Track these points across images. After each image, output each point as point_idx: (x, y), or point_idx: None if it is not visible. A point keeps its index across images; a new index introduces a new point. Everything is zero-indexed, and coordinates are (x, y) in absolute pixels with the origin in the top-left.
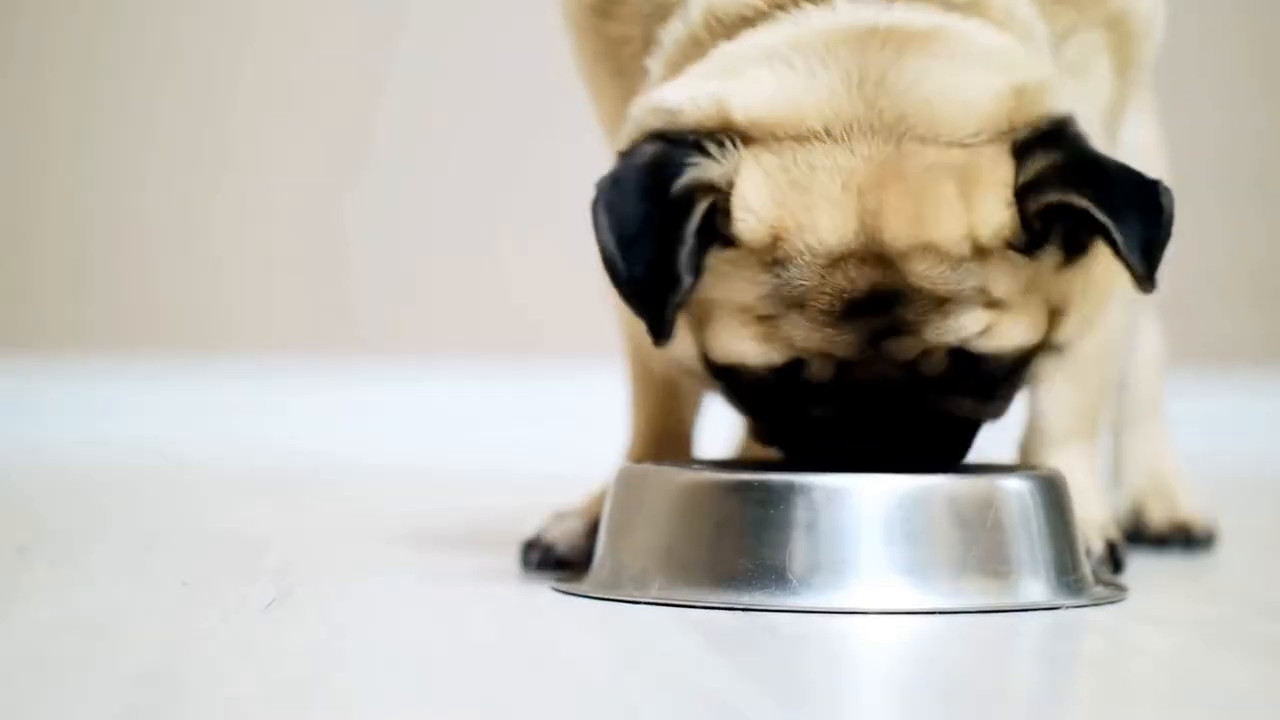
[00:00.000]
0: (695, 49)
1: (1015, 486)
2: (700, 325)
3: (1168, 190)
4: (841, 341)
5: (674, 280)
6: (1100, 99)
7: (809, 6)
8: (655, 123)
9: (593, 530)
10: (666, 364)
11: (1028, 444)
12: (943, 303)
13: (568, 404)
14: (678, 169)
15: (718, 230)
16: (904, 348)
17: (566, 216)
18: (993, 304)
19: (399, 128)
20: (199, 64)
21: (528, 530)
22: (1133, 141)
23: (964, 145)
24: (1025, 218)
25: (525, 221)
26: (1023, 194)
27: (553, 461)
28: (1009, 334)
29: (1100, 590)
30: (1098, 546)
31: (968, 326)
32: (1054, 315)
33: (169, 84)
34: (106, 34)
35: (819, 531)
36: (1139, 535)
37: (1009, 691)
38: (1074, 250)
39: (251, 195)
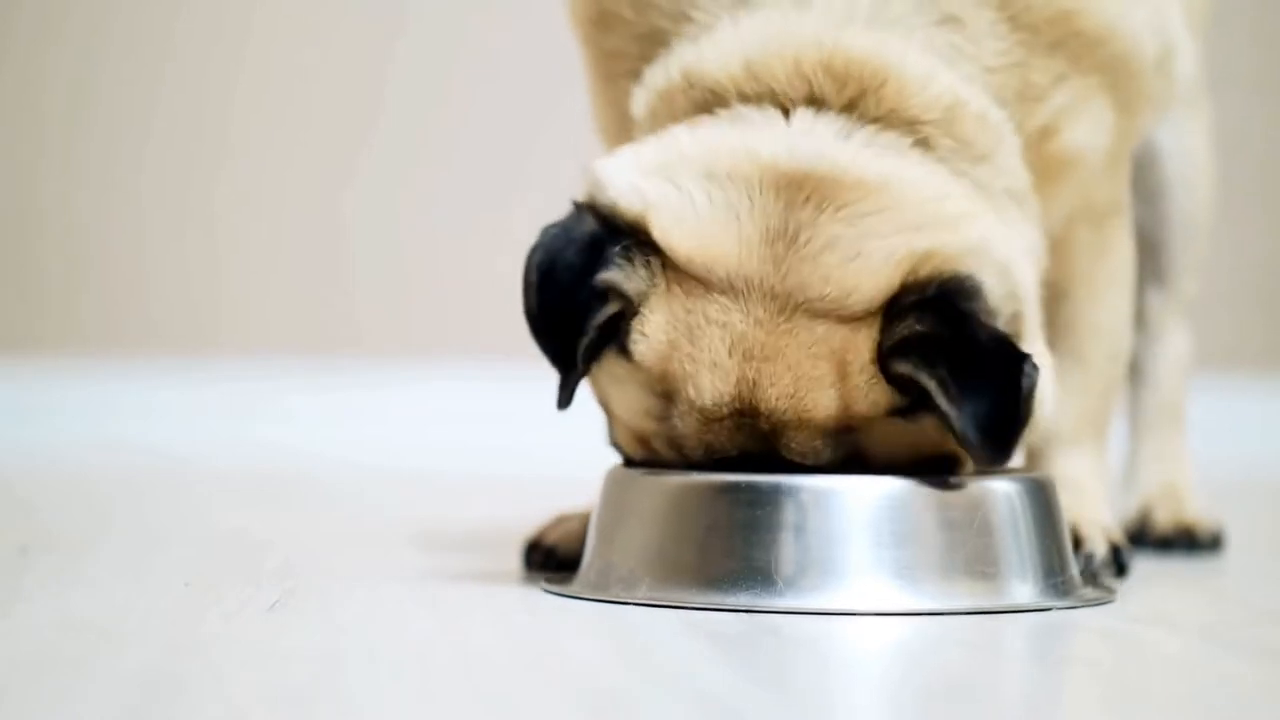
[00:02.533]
0: (668, 107)
1: (1003, 489)
2: (594, 383)
3: (1033, 369)
4: None
5: (572, 362)
6: (1098, 138)
7: (770, 110)
8: (599, 197)
9: None
10: None
11: (1034, 445)
12: (814, 468)
13: (571, 406)
14: (605, 262)
15: (619, 335)
16: None
17: None
18: (869, 459)
19: (399, 127)
20: (197, 63)
21: (530, 532)
22: (1180, 148)
23: (854, 320)
24: (891, 382)
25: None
26: (884, 359)
27: (555, 464)
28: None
29: (1088, 592)
30: (1101, 549)
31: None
32: (946, 459)
33: (167, 83)
34: (103, 33)
35: (807, 533)
36: (1143, 537)
37: (1000, 692)
38: None
39: (251, 195)
